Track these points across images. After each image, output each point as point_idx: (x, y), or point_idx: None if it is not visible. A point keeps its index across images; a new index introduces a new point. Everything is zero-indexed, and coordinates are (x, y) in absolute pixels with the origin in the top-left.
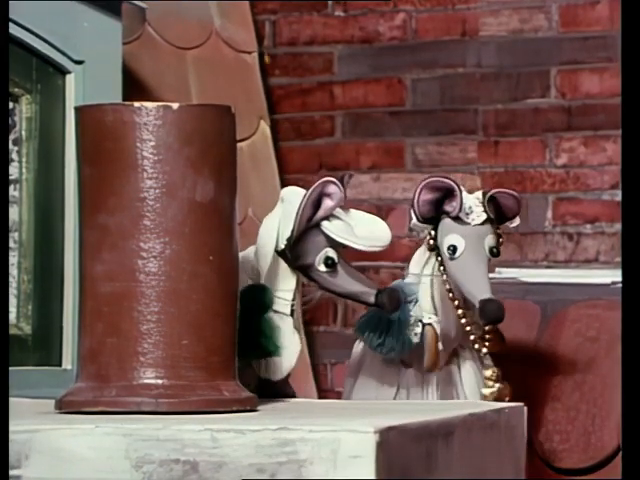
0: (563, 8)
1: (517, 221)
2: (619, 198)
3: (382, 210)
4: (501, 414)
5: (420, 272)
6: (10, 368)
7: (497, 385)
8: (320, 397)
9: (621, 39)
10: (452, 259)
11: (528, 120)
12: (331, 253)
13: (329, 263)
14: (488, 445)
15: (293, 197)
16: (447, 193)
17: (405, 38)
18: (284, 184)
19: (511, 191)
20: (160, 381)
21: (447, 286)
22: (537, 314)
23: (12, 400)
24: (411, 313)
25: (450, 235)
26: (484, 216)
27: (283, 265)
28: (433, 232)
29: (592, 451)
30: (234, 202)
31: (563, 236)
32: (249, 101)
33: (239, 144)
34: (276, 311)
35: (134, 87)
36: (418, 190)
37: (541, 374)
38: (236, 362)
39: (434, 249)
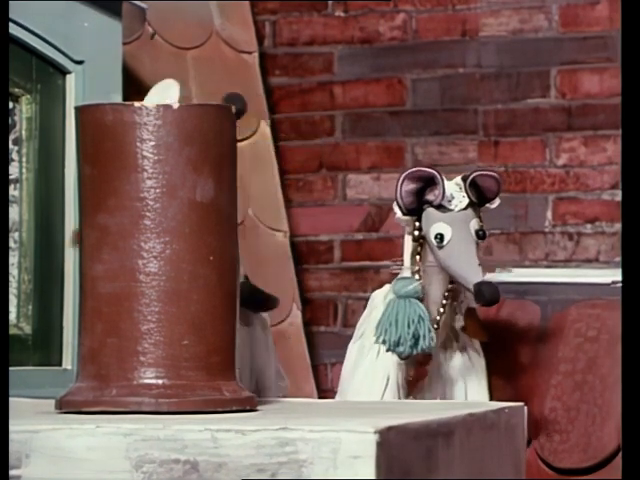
0: (563, 8)
1: (497, 202)
2: (619, 198)
3: (382, 210)
4: (501, 414)
5: (410, 264)
6: (10, 368)
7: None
8: (320, 397)
9: (621, 39)
10: (440, 247)
11: (528, 120)
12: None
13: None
14: (488, 445)
15: None
16: (428, 182)
17: (405, 38)
18: (284, 184)
19: (490, 172)
20: (160, 381)
21: (440, 275)
22: (537, 314)
23: (12, 400)
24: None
25: (436, 224)
26: (466, 201)
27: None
28: (418, 223)
29: (592, 451)
30: (234, 202)
31: (563, 236)
32: (249, 101)
33: (239, 144)
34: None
35: (134, 87)
36: (400, 182)
37: (541, 374)
38: (236, 362)
39: (418, 240)
